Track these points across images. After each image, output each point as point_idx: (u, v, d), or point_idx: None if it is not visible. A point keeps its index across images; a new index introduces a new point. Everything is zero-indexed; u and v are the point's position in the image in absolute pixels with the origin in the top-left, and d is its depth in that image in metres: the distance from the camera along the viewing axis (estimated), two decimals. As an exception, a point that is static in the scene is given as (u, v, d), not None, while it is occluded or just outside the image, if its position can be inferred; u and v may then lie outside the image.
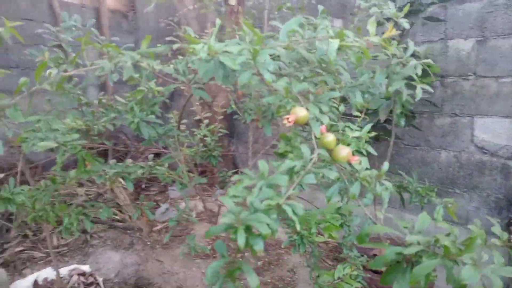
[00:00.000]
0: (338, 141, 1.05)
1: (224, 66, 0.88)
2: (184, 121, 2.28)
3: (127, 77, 1.08)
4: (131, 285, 3.17)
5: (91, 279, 2.51)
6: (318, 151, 0.87)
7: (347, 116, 2.85)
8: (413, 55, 1.43)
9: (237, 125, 4.60)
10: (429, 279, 0.66)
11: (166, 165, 1.65)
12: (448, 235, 0.73)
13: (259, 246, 0.63)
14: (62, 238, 3.56)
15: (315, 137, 0.83)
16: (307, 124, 0.86)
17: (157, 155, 2.25)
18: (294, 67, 1.00)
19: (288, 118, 0.82)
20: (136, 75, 1.32)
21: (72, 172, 1.38)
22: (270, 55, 0.86)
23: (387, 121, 2.62)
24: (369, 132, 1.40)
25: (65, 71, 1.24)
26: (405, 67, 1.03)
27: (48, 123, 1.34)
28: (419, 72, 1.04)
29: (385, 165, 0.85)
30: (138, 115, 1.34)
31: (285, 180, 0.70)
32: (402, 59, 1.04)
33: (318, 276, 1.48)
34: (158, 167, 1.57)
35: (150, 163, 1.56)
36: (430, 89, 1.12)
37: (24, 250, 3.40)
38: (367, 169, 0.86)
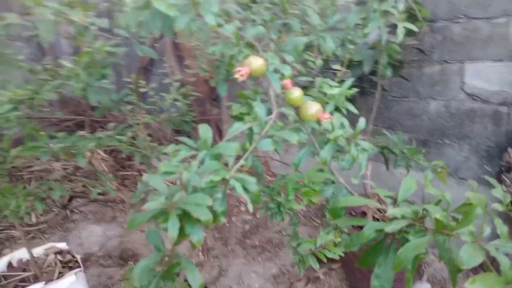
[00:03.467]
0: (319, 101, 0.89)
1: (162, 14, 0.70)
2: (153, 85, 2.10)
3: (47, 36, 0.90)
4: (116, 257, 3.09)
5: (68, 257, 2.39)
6: (281, 110, 0.71)
7: (329, 71, 2.68)
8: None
9: (218, 87, 4.40)
10: (419, 259, 0.53)
11: (129, 134, 1.49)
12: (438, 202, 0.59)
13: (197, 236, 0.49)
14: (41, 215, 3.43)
15: (275, 93, 0.67)
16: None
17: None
18: (252, 11, 0.83)
19: (239, 71, 0.66)
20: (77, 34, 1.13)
21: (14, 150, 1.22)
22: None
23: (373, 73, 2.45)
24: (350, 87, 1.24)
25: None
26: (384, 2, 0.86)
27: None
28: (401, 6, 0.87)
29: (361, 122, 0.71)
30: (84, 80, 1.17)
31: (233, 149, 0.55)
32: (381, -7, 0.87)
33: (298, 245, 1.37)
34: (118, 137, 1.41)
35: (109, 133, 1.40)
36: (414, 28, 0.95)
37: (2, 230, 3.27)
38: (342, 128, 0.71)
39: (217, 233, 3.31)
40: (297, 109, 0.76)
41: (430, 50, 2.59)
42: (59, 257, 2.38)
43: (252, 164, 1.35)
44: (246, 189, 0.54)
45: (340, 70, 1.24)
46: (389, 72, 2.31)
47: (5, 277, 2.29)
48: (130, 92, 1.35)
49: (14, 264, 2.34)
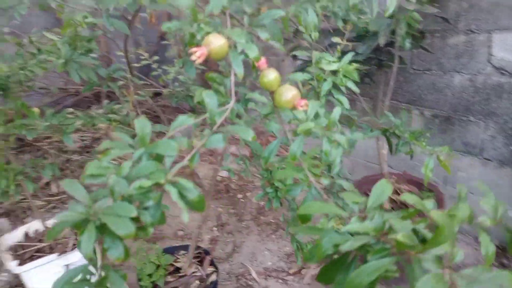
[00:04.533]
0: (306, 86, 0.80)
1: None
2: (156, 57, 2.03)
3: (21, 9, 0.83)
4: (133, 228, 3.13)
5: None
6: (253, 95, 0.63)
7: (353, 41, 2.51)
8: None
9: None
10: (379, 280, 0.45)
11: (125, 112, 1.43)
12: (412, 213, 0.51)
13: (117, 251, 0.42)
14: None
15: (235, 79, 0.58)
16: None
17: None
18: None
19: (195, 52, 0.57)
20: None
21: (1, 128, 1.18)
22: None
23: (392, 44, 2.29)
24: (351, 62, 1.12)
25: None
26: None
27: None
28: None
29: (336, 111, 0.61)
30: (65, 55, 1.10)
31: (173, 147, 0.48)
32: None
33: (296, 232, 1.30)
34: (109, 115, 1.35)
35: (100, 111, 1.35)
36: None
37: (24, 199, 3.36)
38: (317, 117, 0.62)
39: (232, 208, 3.29)
40: (272, 93, 0.68)
41: (455, 18, 2.39)
42: (75, 228, 2.41)
43: (253, 147, 1.27)
44: (182, 196, 0.47)
45: (340, 43, 1.12)
46: (408, 43, 2.14)
47: (22, 246, 2.34)
48: (121, 66, 1.28)
49: (31, 234, 2.38)
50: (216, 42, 0.57)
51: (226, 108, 0.53)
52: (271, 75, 0.66)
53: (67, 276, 0.45)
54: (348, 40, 2.51)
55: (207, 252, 2.29)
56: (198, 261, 2.25)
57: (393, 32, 2.15)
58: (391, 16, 2.15)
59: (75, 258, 2.18)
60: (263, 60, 0.69)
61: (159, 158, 0.48)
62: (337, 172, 0.65)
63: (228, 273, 2.62)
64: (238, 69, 0.56)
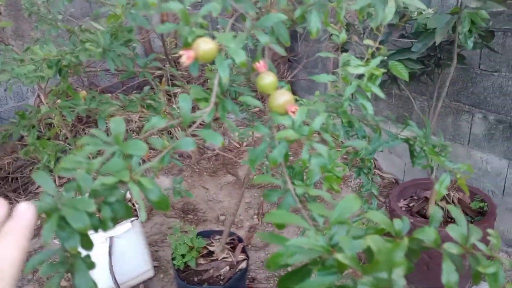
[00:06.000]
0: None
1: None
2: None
3: None
4: (179, 209, 3.27)
5: (129, 205, 2.58)
6: (244, 99, 0.63)
7: (410, 38, 2.38)
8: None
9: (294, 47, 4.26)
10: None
11: (161, 100, 1.49)
12: (379, 231, 0.49)
13: (73, 241, 0.46)
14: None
15: (218, 82, 0.59)
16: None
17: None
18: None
19: (183, 54, 0.59)
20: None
21: (44, 108, 1.29)
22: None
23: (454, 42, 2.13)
24: (403, 59, 1.07)
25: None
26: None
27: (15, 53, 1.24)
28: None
29: (317, 120, 0.59)
30: (104, 44, 1.17)
31: (142, 148, 0.50)
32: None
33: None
34: (151, 101, 1.42)
35: (137, 96, 1.41)
36: None
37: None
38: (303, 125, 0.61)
39: (275, 197, 3.31)
40: (268, 97, 0.68)
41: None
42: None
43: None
44: (146, 195, 0.50)
45: (373, 46, 1.07)
46: (470, 43, 1.99)
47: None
48: (159, 56, 1.34)
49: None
50: (203, 46, 0.58)
51: (203, 112, 0.55)
52: (267, 79, 0.66)
53: (40, 256, 0.49)
54: (405, 37, 2.38)
55: (240, 240, 2.34)
56: (231, 247, 2.30)
57: (453, 30, 2.01)
58: (455, 12, 2.01)
59: (117, 232, 2.31)
60: (262, 63, 0.69)
61: (130, 157, 0.51)
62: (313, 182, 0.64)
63: (263, 262, 2.66)
64: (223, 73, 0.57)
